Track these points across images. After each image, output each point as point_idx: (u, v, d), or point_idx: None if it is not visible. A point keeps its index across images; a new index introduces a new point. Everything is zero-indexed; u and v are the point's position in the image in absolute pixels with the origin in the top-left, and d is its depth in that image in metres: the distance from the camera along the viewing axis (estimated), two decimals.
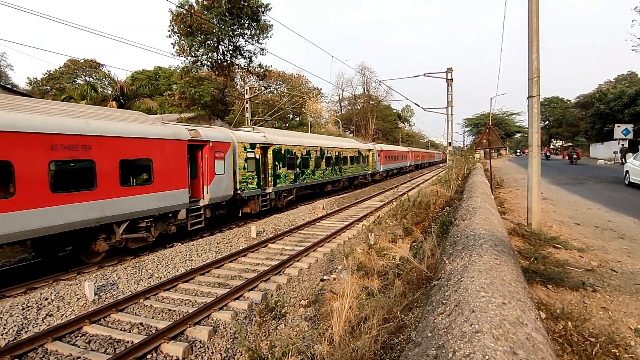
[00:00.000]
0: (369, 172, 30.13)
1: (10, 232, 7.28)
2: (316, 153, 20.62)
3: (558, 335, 3.40)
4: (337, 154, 23.53)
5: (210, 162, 12.34)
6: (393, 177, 37.81)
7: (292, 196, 18.23)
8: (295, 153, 18.17)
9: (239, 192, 13.83)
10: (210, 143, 12.35)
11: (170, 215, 11.02)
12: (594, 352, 3.11)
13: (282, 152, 17.00)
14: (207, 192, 12.24)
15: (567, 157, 37.40)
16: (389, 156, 36.40)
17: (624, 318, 3.92)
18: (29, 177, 7.51)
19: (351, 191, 25.54)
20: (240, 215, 14.87)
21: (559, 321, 3.63)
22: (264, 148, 15.72)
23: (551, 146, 74.37)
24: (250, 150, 14.64)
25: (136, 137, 9.79)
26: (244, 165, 14.19)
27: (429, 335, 1.86)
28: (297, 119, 53.84)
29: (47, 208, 7.81)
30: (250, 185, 14.53)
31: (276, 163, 16.46)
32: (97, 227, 9.04)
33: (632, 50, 33.70)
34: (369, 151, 30.18)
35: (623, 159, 33.90)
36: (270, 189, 15.99)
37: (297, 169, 18.35)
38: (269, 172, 15.94)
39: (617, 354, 3.12)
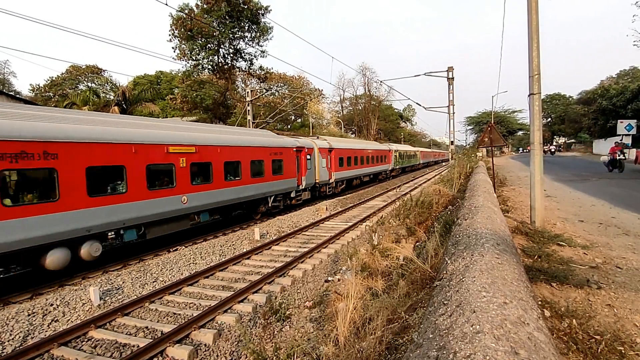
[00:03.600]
0: (416, 163, 53.28)
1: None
2: (406, 153, 44.69)
3: (563, 334, 3.38)
4: (409, 153, 46.87)
5: (391, 157, 35.63)
6: (427, 167, 63.07)
7: (400, 170, 41.16)
8: (401, 153, 41.00)
9: (393, 166, 36.56)
10: (391, 151, 35.76)
11: (385, 172, 34.74)
12: (599, 350, 3.10)
13: (399, 153, 39.66)
14: (392, 165, 36.06)
15: None
16: (424, 154, 62.08)
17: (630, 315, 3.90)
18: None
19: (409, 172, 47.16)
20: (391, 176, 37.31)
21: (564, 319, 3.62)
22: (396, 151, 38.06)
23: (554, 143, 73.78)
24: (395, 153, 37.09)
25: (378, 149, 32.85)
26: (394, 158, 36.59)
27: (431, 336, 1.86)
28: (299, 120, 53.91)
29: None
30: (394, 165, 37.04)
31: (398, 157, 38.84)
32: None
33: (634, 45, 33.56)
34: (417, 151, 54.06)
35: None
36: (398, 166, 39.07)
37: (400, 160, 40.39)
38: (397, 160, 38.40)
39: (623, 351, 3.10)
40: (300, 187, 17.55)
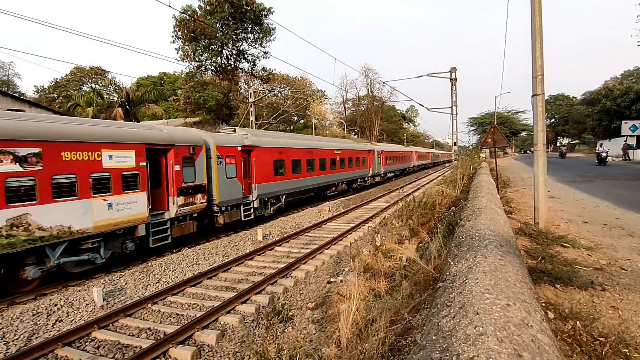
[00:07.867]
0: (439, 160, 74.03)
1: None
2: (435, 154, 75.02)
3: (567, 335, 3.37)
4: (436, 154, 75.39)
5: (430, 156, 67.47)
6: (440, 164, 78.33)
7: (432, 164, 67.80)
8: (433, 155, 71.37)
9: (431, 161, 66.77)
10: (430, 153, 69.92)
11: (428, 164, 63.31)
12: (603, 352, 3.08)
13: (432, 153, 70.15)
14: (430, 160, 66.89)
15: None
16: (442, 155, 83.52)
17: (634, 317, 3.87)
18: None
19: (436, 166, 68.48)
20: (429, 167, 64.78)
21: (568, 321, 3.60)
22: (432, 154, 69.45)
23: (557, 144, 73.47)
24: (431, 153, 69.79)
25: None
26: (431, 156, 68.32)
27: (434, 338, 1.86)
28: (302, 121, 53.95)
29: None
30: (431, 160, 67.39)
31: (432, 156, 68.55)
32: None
33: (638, 45, 33.27)
34: (439, 153, 77.61)
35: (626, 156, 33.43)
36: (432, 161, 67.70)
37: (434, 158, 69.88)
38: (432, 158, 68.42)
39: (628, 353, 3.08)
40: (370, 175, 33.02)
